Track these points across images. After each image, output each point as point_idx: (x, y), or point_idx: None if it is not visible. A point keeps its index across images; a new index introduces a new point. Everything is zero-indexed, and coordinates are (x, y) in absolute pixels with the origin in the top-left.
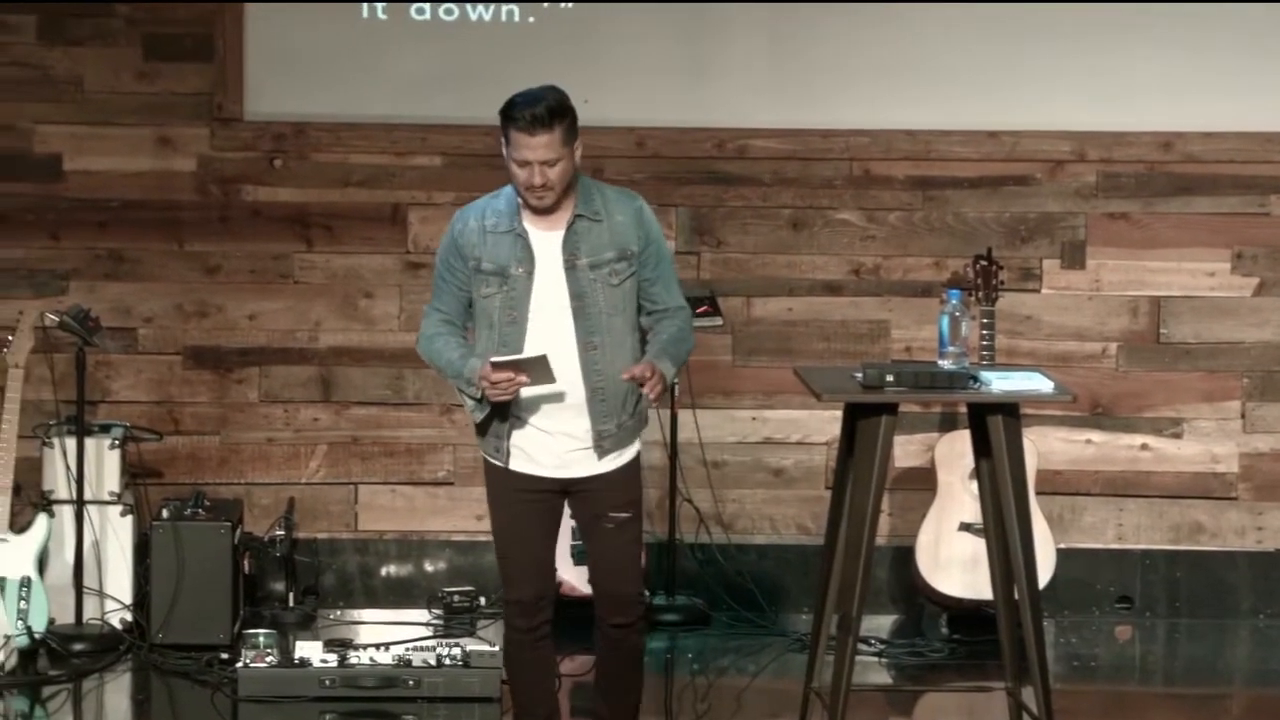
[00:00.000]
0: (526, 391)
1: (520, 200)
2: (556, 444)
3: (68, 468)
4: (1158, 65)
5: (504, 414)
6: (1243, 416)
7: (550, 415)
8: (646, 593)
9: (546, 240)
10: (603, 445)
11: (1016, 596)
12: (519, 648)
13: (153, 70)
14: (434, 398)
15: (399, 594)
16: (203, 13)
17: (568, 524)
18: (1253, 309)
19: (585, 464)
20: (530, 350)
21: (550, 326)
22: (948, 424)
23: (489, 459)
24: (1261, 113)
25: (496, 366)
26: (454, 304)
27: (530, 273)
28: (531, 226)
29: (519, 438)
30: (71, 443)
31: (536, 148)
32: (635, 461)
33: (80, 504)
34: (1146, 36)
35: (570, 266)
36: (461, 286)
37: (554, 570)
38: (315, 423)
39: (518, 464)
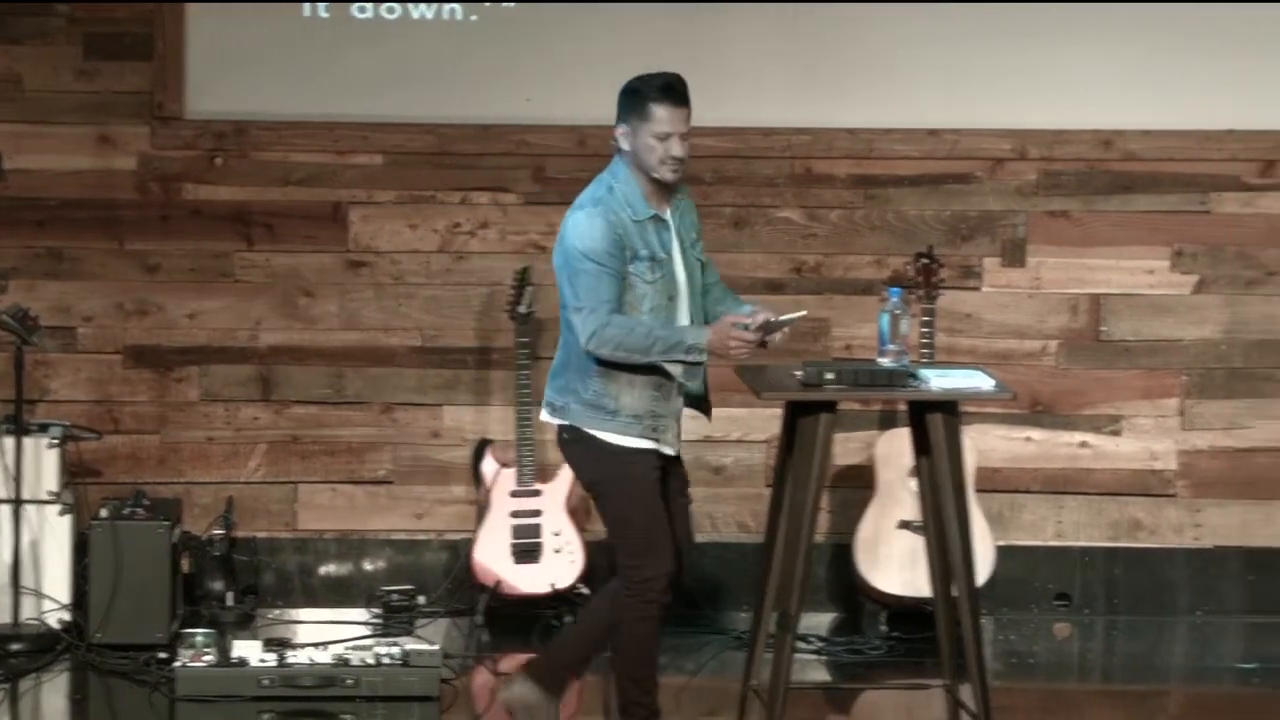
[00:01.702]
0: (677, 372)
1: (641, 185)
2: (674, 422)
3: (5, 466)
4: (1098, 63)
5: (665, 394)
6: (1181, 414)
7: (674, 395)
8: (584, 589)
9: (670, 224)
10: (711, 416)
11: (955, 594)
12: (654, 624)
13: (93, 69)
14: (374, 397)
15: (338, 593)
16: (143, 11)
17: (508, 521)
18: (1191, 307)
19: (679, 442)
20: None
21: (686, 303)
22: (887, 422)
23: (624, 439)
24: (1201, 111)
25: (762, 327)
26: (617, 294)
27: (670, 254)
28: (660, 212)
29: (660, 419)
30: (10, 442)
31: (678, 121)
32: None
33: (18, 503)
34: (1086, 35)
35: (683, 249)
36: (620, 275)
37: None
38: (255, 422)
39: (664, 442)
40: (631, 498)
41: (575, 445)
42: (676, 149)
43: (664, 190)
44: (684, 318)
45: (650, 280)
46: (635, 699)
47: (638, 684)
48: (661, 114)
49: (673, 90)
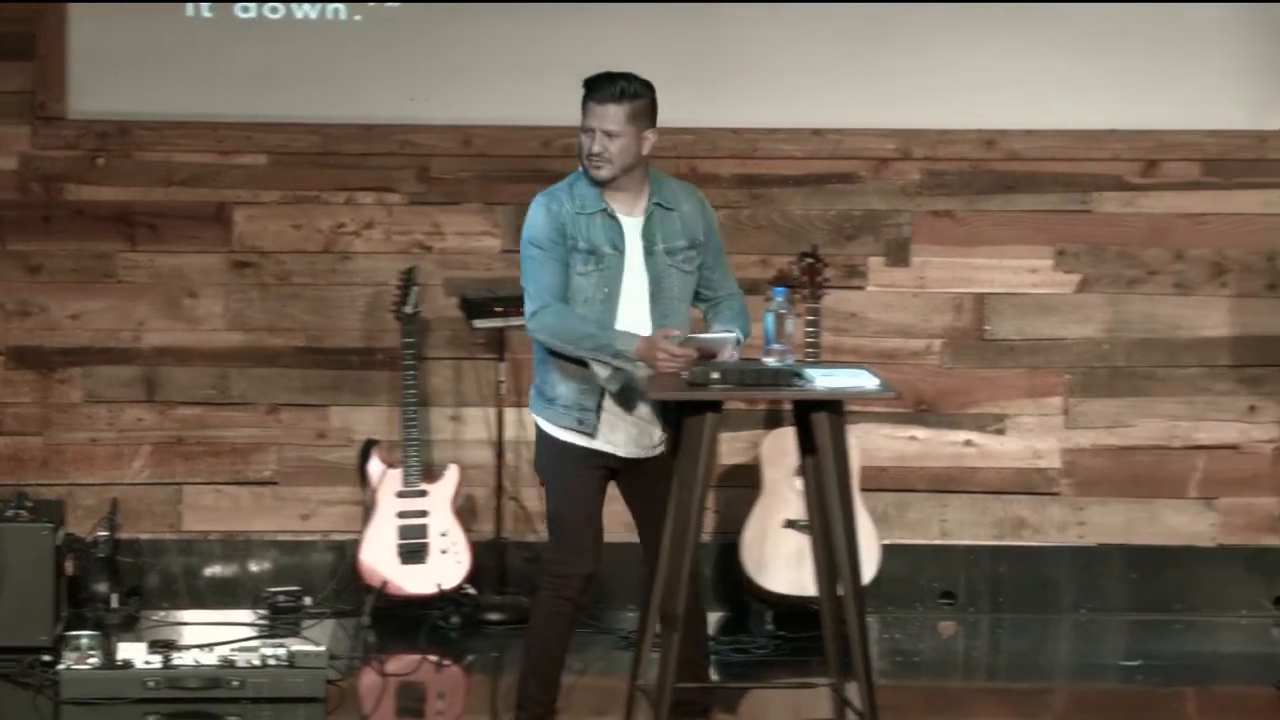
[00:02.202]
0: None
1: (598, 185)
2: (630, 424)
3: None
4: (981, 64)
5: (597, 389)
6: (1065, 413)
7: (630, 396)
8: (470, 590)
9: (630, 224)
10: (668, 418)
11: (841, 593)
12: (565, 621)
13: None
14: (259, 397)
15: (224, 595)
16: (24, 11)
17: (394, 522)
18: (1074, 306)
19: (644, 444)
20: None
21: (634, 306)
22: (773, 421)
23: (560, 430)
24: (1083, 111)
25: (688, 343)
26: (558, 280)
27: (621, 253)
28: (617, 209)
29: (605, 415)
30: None
31: (602, 117)
32: (661, 446)
33: None
34: (969, 35)
35: (649, 252)
36: (563, 262)
37: (601, 547)
38: (139, 423)
39: (599, 440)
40: (560, 491)
41: (537, 431)
42: (593, 145)
43: (633, 187)
44: (631, 318)
45: (583, 272)
46: (534, 694)
47: (539, 680)
48: (589, 108)
49: (594, 86)
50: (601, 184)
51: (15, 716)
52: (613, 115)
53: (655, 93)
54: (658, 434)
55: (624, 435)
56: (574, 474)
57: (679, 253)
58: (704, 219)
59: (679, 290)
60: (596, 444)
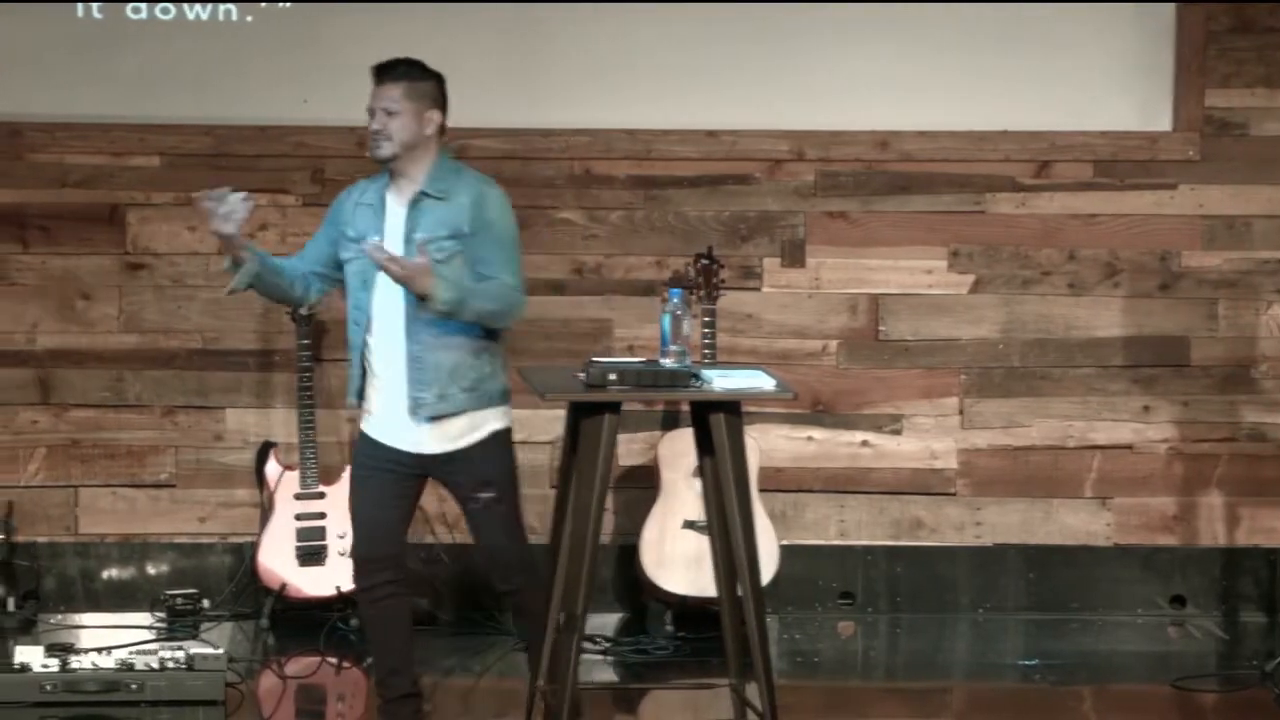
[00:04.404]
0: (375, 359)
1: (389, 175)
2: (390, 411)
3: None
4: (873, 65)
5: (364, 382)
6: (961, 413)
7: (386, 382)
8: None
9: (396, 213)
10: (418, 411)
11: (740, 593)
12: (360, 605)
13: None
14: (155, 400)
15: (121, 597)
16: None
17: (292, 524)
18: (969, 306)
19: (413, 435)
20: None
21: (391, 295)
22: (670, 422)
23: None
24: (975, 112)
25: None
26: (312, 251)
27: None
28: (391, 199)
29: (370, 403)
30: None
31: (379, 96)
32: (491, 439)
33: None
34: (862, 36)
35: (407, 239)
36: (328, 242)
37: (392, 534)
38: (34, 425)
39: (369, 427)
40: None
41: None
42: (374, 123)
43: (414, 174)
44: (387, 307)
45: (347, 260)
46: (378, 678)
47: (375, 666)
48: (372, 91)
49: (381, 67)
50: (384, 163)
51: None
52: (391, 94)
53: (443, 81)
54: (412, 422)
55: (391, 426)
56: (355, 459)
57: (434, 242)
58: (477, 210)
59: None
60: (369, 430)
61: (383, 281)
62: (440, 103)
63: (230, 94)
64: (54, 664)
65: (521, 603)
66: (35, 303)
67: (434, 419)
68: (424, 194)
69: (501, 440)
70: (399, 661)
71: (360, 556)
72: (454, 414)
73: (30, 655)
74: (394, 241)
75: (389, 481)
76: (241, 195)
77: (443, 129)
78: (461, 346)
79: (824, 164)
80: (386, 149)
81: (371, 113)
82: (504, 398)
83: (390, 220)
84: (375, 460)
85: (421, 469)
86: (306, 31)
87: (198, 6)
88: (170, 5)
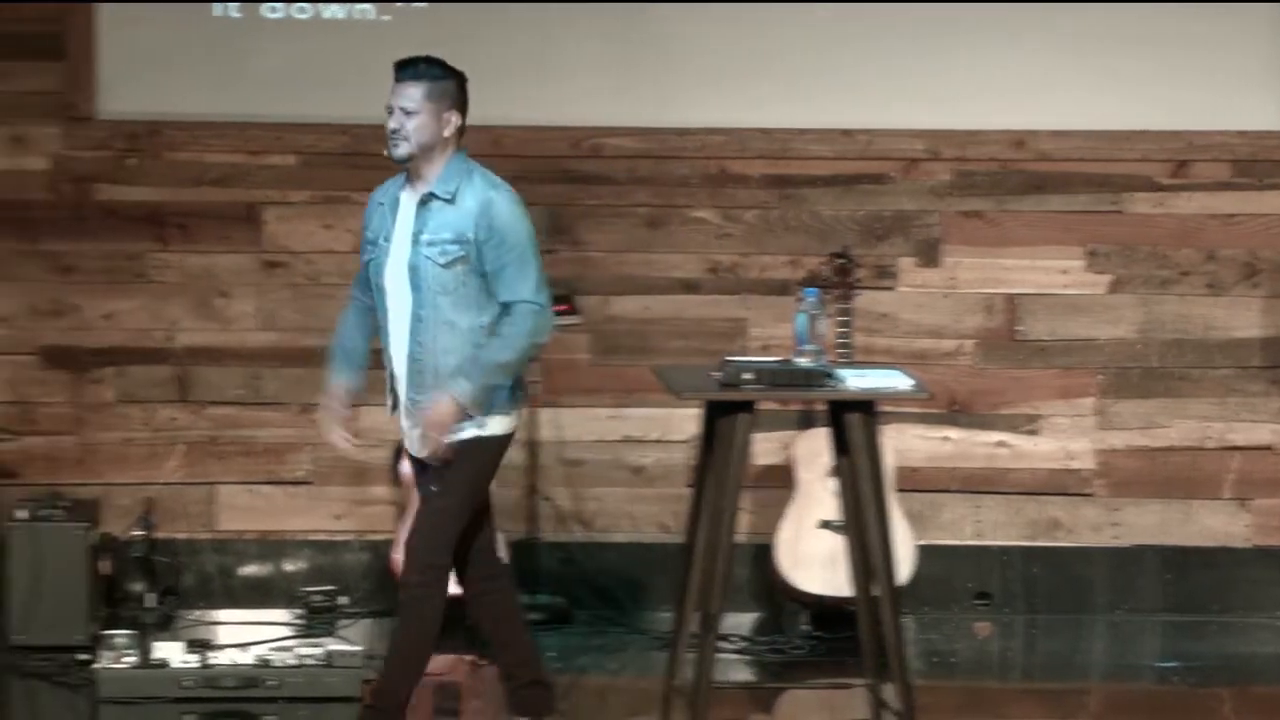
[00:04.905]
0: (390, 361)
1: (406, 174)
2: (404, 414)
3: None
4: (1009, 64)
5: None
6: (1098, 414)
7: (399, 382)
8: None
9: (407, 214)
10: (413, 414)
11: (876, 593)
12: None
13: (3, 69)
14: (292, 397)
15: (259, 594)
16: (53, 11)
17: None
18: (1106, 306)
19: (415, 436)
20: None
21: (399, 294)
22: (806, 422)
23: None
24: (1112, 111)
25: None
26: (365, 271)
27: (389, 241)
28: (404, 198)
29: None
30: None
31: (400, 95)
32: (472, 443)
33: None
34: (998, 35)
35: (415, 241)
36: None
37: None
38: (172, 422)
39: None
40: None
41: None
42: (392, 122)
43: (429, 174)
44: (397, 308)
45: (365, 261)
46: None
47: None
48: (393, 88)
49: (398, 67)
50: (401, 163)
51: (53, 715)
52: (410, 93)
53: (464, 81)
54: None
55: (409, 436)
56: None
57: (438, 244)
58: (484, 218)
59: (435, 282)
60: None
61: (391, 284)
62: (460, 103)
63: (366, 93)
64: (193, 660)
65: (410, 607)
66: (174, 301)
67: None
68: (432, 195)
69: (481, 445)
70: (520, 652)
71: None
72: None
73: (170, 651)
74: (402, 240)
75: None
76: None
77: (461, 130)
78: (461, 351)
79: (960, 163)
80: (403, 149)
81: (390, 111)
82: (507, 404)
83: (401, 218)
84: (417, 470)
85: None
86: (443, 30)
87: (334, 6)
88: (307, 5)
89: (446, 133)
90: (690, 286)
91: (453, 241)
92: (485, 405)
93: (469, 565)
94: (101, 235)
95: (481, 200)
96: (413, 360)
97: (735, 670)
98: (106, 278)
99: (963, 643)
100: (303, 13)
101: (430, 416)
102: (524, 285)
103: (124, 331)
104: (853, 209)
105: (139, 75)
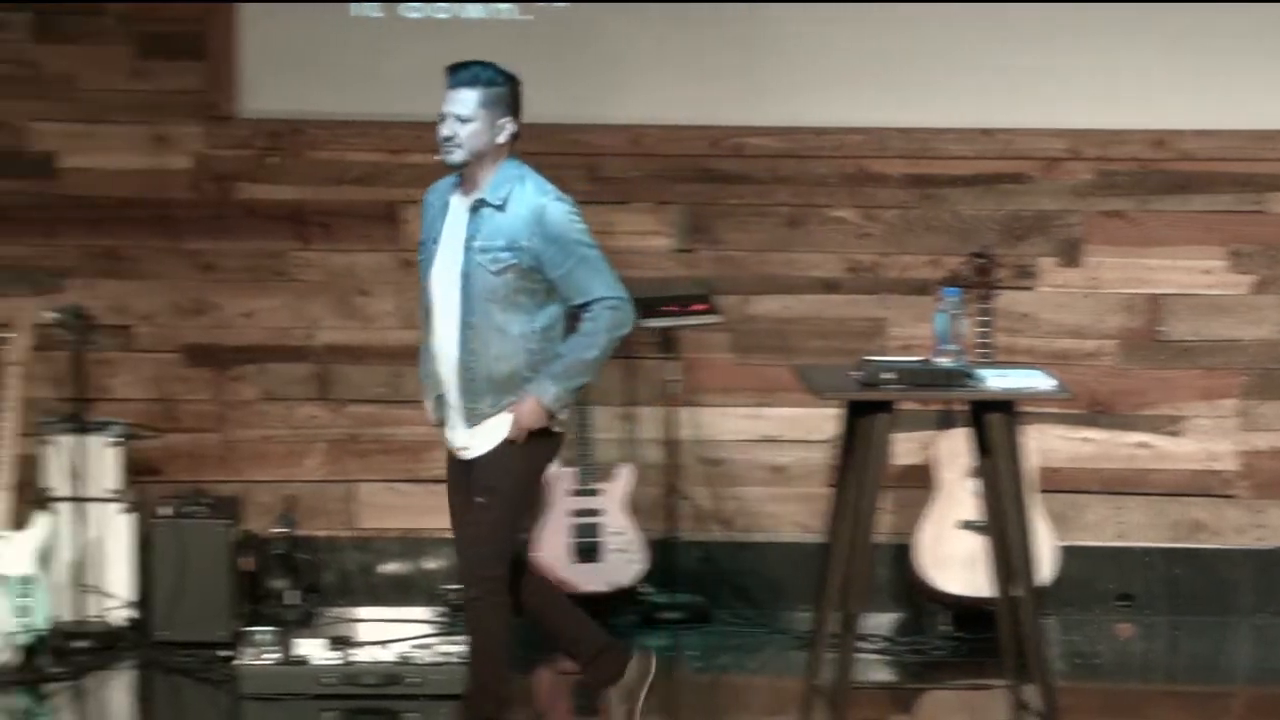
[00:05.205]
0: (437, 363)
1: (459, 177)
2: (452, 414)
3: (69, 465)
4: (1150, 63)
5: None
6: (1241, 415)
7: (446, 388)
8: (645, 589)
9: (459, 217)
10: (472, 419)
11: (1017, 594)
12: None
13: (146, 68)
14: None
15: (400, 592)
16: (195, 11)
17: (568, 520)
18: (1250, 307)
19: (464, 438)
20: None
21: (447, 299)
22: (946, 421)
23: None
24: (1254, 110)
25: None
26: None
27: (437, 242)
28: (455, 202)
29: (438, 409)
30: (70, 441)
31: (454, 101)
32: (515, 450)
33: (79, 501)
34: (1139, 35)
35: (468, 246)
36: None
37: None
38: (313, 420)
39: (448, 437)
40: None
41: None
42: (445, 128)
43: (482, 179)
44: (445, 311)
45: (419, 261)
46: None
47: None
48: (446, 95)
49: (451, 71)
50: (455, 169)
51: (195, 711)
52: (465, 100)
53: (518, 85)
54: (465, 426)
55: (457, 432)
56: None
57: (490, 251)
58: (536, 226)
59: (486, 289)
60: (448, 440)
61: (438, 288)
62: (514, 109)
63: None
64: (334, 657)
65: (475, 617)
66: (315, 299)
67: (482, 425)
68: (483, 201)
69: (525, 451)
70: (487, 679)
71: (462, 572)
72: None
73: (311, 647)
74: (452, 245)
75: (458, 485)
76: None
77: (516, 135)
78: (514, 357)
79: (1101, 163)
80: (457, 156)
81: (442, 117)
82: None
83: (452, 222)
84: (455, 471)
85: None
86: (584, 29)
87: (475, 5)
88: (447, 4)
89: (500, 139)
90: (830, 286)
91: (505, 249)
92: (565, 404)
93: (468, 575)
94: (243, 234)
95: (533, 208)
96: (464, 368)
97: (875, 670)
98: (248, 276)
99: (1104, 644)
100: (443, 12)
101: (517, 419)
102: (597, 284)
103: (265, 330)
104: (993, 209)
105: (280, 74)
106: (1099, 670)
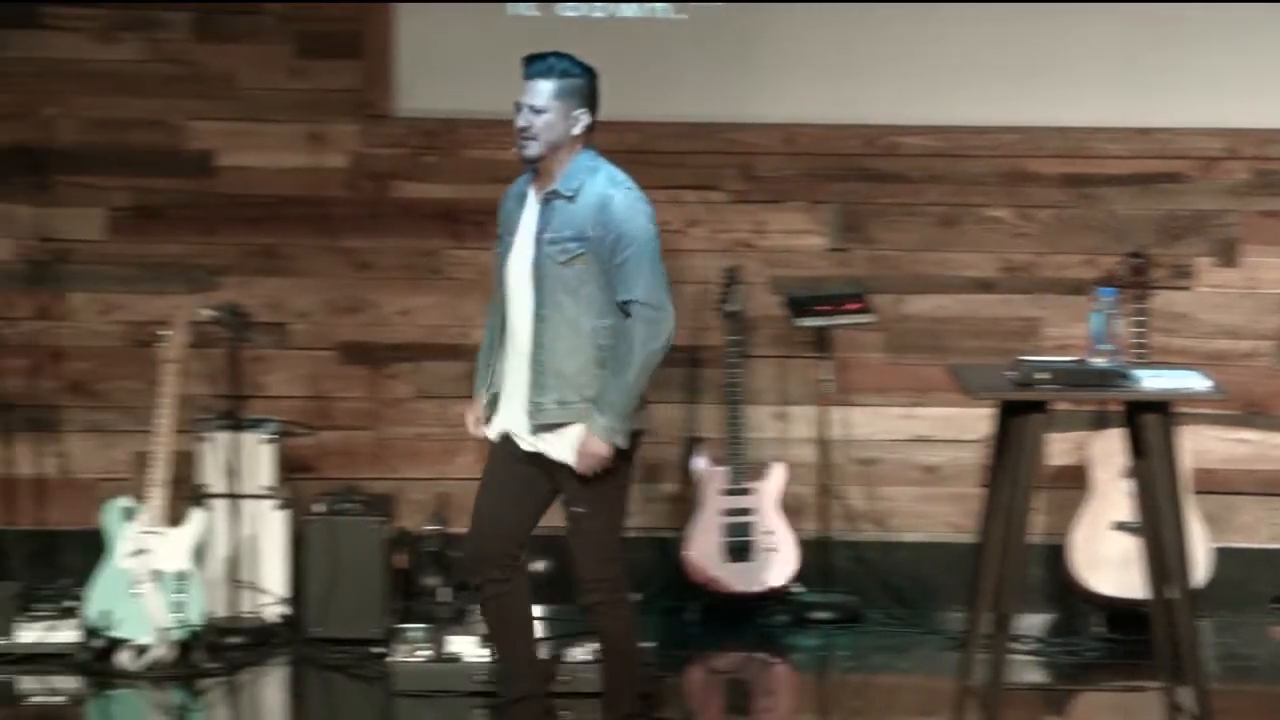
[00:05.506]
0: (508, 359)
1: (535, 170)
2: (512, 405)
3: (224, 462)
4: None
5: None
6: None
7: (515, 384)
8: (797, 589)
9: (532, 212)
10: (536, 416)
11: (1171, 596)
12: (484, 608)
13: (304, 67)
14: None
15: (550, 589)
16: (353, 10)
17: (719, 519)
18: None
19: (522, 425)
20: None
21: (521, 292)
22: (1101, 422)
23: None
24: None
25: None
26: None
27: (512, 237)
28: (531, 195)
29: (500, 399)
30: (226, 437)
31: (531, 92)
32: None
33: (234, 498)
34: None
35: (538, 240)
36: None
37: (506, 531)
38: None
39: (501, 422)
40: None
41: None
42: (520, 119)
43: (555, 171)
44: (520, 304)
45: (497, 253)
46: (500, 679)
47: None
48: (524, 85)
49: (528, 62)
50: (531, 163)
51: (348, 707)
52: (541, 91)
53: (595, 78)
54: (528, 422)
55: (514, 421)
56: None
57: (560, 243)
58: (602, 215)
59: (557, 281)
60: (497, 425)
61: (514, 281)
62: (590, 101)
63: (659, 90)
64: (486, 654)
65: (597, 620)
66: (468, 297)
67: (551, 426)
68: (555, 192)
69: (615, 455)
70: (517, 662)
71: (469, 554)
72: (571, 423)
73: (463, 645)
74: (526, 238)
75: (503, 472)
76: None
77: (591, 128)
78: (582, 352)
79: (1260, 162)
80: (533, 149)
81: (518, 108)
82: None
83: (526, 216)
84: (503, 454)
85: (542, 465)
86: (739, 28)
87: (631, 5)
88: (603, 3)
89: (575, 130)
90: (984, 285)
91: (573, 239)
92: (621, 431)
93: (485, 557)
94: (398, 232)
95: (600, 196)
96: (535, 362)
97: (1028, 671)
98: (403, 274)
99: (1260, 647)
100: (599, 11)
101: (580, 459)
102: (638, 284)
103: (420, 328)
104: (1149, 208)
105: (436, 73)
106: (1253, 673)
